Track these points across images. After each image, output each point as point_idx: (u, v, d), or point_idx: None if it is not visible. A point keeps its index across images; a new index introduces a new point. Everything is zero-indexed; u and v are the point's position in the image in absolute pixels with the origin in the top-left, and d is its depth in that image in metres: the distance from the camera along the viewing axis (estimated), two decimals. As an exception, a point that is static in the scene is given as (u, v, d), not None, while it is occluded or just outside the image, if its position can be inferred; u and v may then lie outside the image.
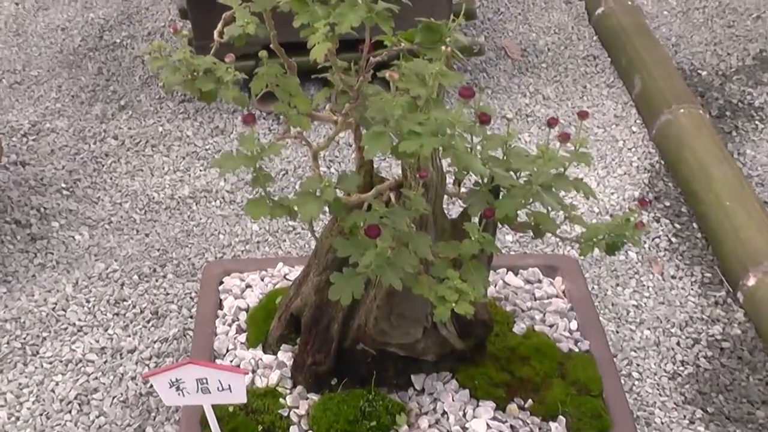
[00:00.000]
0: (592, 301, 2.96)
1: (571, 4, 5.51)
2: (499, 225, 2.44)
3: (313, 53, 2.00)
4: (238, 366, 2.71)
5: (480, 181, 2.39)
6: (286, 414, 2.57)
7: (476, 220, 2.39)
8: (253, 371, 2.69)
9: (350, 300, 2.18)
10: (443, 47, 2.05)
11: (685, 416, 3.14)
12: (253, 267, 3.05)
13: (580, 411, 2.58)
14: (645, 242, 3.83)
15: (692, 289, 3.64)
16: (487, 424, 2.54)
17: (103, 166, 4.22)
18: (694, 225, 3.92)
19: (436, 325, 2.59)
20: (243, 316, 2.87)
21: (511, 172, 2.44)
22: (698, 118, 4.25)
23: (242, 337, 2.81)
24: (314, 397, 2.62)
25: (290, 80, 2.31)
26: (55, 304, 3.49)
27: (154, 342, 3.33)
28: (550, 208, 2.49)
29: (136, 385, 3.19)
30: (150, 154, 4.30)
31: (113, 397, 3.16)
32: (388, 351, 2.60)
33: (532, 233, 2.50)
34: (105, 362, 3.27)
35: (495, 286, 2.98)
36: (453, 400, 2.61)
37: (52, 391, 3.17)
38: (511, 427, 2.56)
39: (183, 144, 4.35)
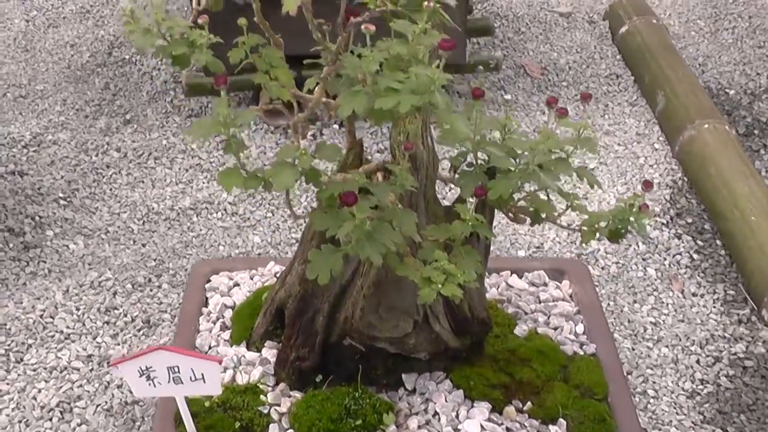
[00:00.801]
0: (601, 305, 2.77)
1: (594, 24, 5.36)
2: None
3: (287, 4, 1.86)
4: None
5: (473, 161, 2.23)
6: (266, 411, 2.40)
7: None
8: (235, 368, 2.52)
9: (328, 279, 2.00)
10: (425, 2, 1.90)
11: (703, 436, 2.94)
12: (242, 266, 2.89)
13: (582, 414, 2.39)
14: (665, 259, 3.63)
15: (714, 307, 3.44)
16: (482, 426, 2.35)
17: (103, 177, 4.09)
18: (718, 242, 3.72)
19: (429, 319, 2.41)
20: (229, 313, 2.70)
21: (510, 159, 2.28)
22: (723, 134, 4.07)
23: (226, 335, 2.64)
24: (297, 394, 2.45)
25: (272, 51, 2.16)
26: (43, 311, 3.34)
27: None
28: (549, 196, 2.33)
29: (122, 393, 3.03)
30: (152, 166, 4.17)
31: (97, 405, 2.99)
32: (377, 347, 2.42)
33: (530, 221, 2.34)
34: (91, 370, 3.11)
35: (497, 288, 2.80)
36: (446, 401, 2.43)
37: (34, 398, 3.02)
38: (507, 429, 2.36)
39: (187, 157, 4.22)
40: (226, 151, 2.02)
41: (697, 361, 3.21)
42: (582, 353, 2.59)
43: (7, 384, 3.07)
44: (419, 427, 2.37)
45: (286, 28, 2.19)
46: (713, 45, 5.14)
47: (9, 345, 3.21)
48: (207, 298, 2.78)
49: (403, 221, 2.05)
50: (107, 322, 3.31)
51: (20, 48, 5.14)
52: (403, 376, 2.49)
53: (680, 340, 3.28)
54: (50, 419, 2.95)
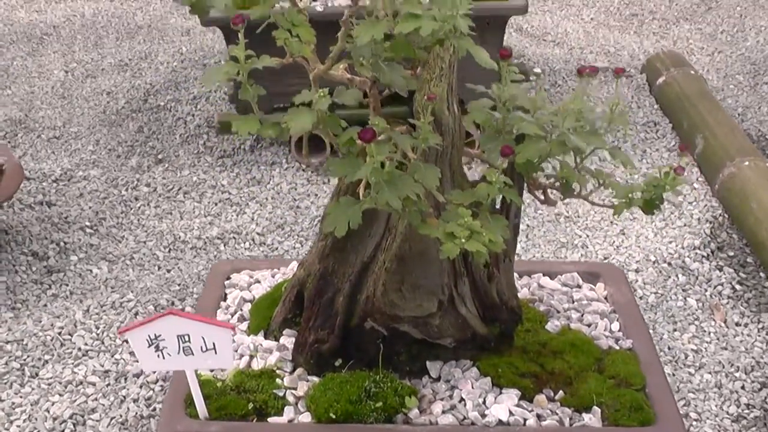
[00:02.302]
0: (638, 305, 2.64)
1: (631, 77, 5.29)
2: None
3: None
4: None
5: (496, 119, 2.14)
6: (281, 394, 2.27)
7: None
8: (251, 355, 2.40)
9: (345, 231, 1.91)
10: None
11: (750, 458, 2.77)
12: (264, 266, 2.79)
13: (618, 402, 2.24)
14: (706, 290, 3.49)
15: (759, 336, 3.28)
16: (510, 412, 2.21)
17: (131, 208, 4.04)
18: (761, 274, 3.58)
19: (454, 301, 2.30)
20: (247, 307, 2.60)
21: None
22: (764, 170, 3.96)
23: (243, 326, 2.54)
24: (315, 379, 2.32)
25: (294, 12, 2.11)
26: (62, 328, 3.25)
27: (163, 366, 3.05)
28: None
29: (138, 407, 2.91)
30: (182, 200, 4.11)
31: (111, 418, 2.88)
32: (400, 331, 2.31)
33: (559, 194, 2.24)
34: (108, 385, 3.00)
35: (528, 289, 2.68)
36: (472, 387, 2.29)
37: (47, 410, 2.91)
38: (538, 416, 2.22)
39: (217, 192, 4.16)
40: (241, 95, 1.94)
41: (742, 387, 3.05)
42: (618, 348, 2.45)
43: (20, 397, 2.97)
44: (443, 411, 2.23)
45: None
46: (753, 97, 5.06)
47: (25, 360, 3.12)
48: (226, 294, 2.68)
49: (425, 175, 1.96)
50: (127, 341, 3.20)
51: (57, 95, 5.15)
52: (428, 363, 2.36)
53: (723, 366, 3.13)
54: (62, 431, 2.83)
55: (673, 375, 3.07)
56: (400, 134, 1.96)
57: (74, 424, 2.86)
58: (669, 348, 3.20)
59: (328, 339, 2.31)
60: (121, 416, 2.87)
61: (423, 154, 2.05)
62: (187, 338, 2.08)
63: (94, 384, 3.00)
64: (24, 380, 3.04)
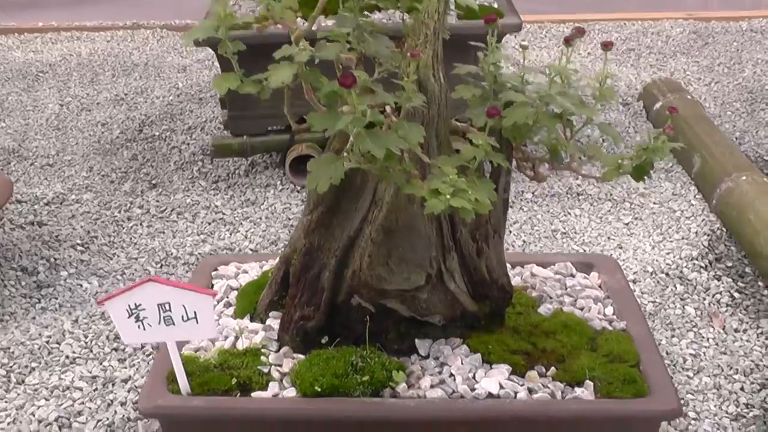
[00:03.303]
0: (633, 292, 2.58)
1: (628, 105, 5.29)
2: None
3: None
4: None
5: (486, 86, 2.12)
6: (266, 371, 2.22)
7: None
8: (236, 337, 2.35)
9: (327, 187, 1.87)
10: None
11: (750, 454, 2.70)
12: (253, 260, 2.75)
13: (611, 376, 2.19)
14: (704, 299, 3.44)
15: (758, 341, 3.22)
16: (501, 385, 2.15)
17: (123, 228, 4.00)
18: (759, 283, 3.53)
19: (443, 276, 2.25)
20: (234, 294, 2.55)
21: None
22: (762, 185, 3.92)
23: (229, 311, 2.49)
24: (301, 357, 2.27)
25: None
26: (50, 337, 3.20)
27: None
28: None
29: (125, 410, 2.85)
30: (174, 219, 4.08)
31: (98, 421, 2.81)
32: (388, 308, 2.26)
33: (547, 164, 2.21)
34: (95, 390, 2.94)
35: (521, 277, 2.63)
36: (462, 363, 2.24)
37: (32, 414, 2.85)
38: (529, 390, 2.16)
39: (210, 212, 4.13)
40: (220, 49, 1.92)
41: (741, 388, 2.98)
42: (611, 329, 2.40)
43: (5, 402, 2.90)
44: (432, 386, 2.18)
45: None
46: (750, 122, 5.04)
47: (11, 367, 3.06)
48: (213, 285, 2.63)
49: (410, 133, 1.93)
50: (115, 349, 3.15)
51: (51, 127, 5.15)
52: (417, 342, 2.31)
53: (722, 369, 3.06)
54: (47, 433, 2.77)
55: (672, 378, 3.00)
56: (381, 91, 1.93)
57: (59, 427, 2.79)
58: (667, 353, 3.13)
59: (314, 316, 2.26)
60: (108, 419, 2.81)
61: (407, 116, 2.02)
62: (167, 307, 2.03)
63: (81, 389, 2.95)
64: (9, 386, 2.98)
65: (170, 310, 2.04)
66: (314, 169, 1.89)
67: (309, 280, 2.26)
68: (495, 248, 2.30)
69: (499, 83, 2.20)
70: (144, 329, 2.06)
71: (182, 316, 2.04)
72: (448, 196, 1.88)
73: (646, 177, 2.18)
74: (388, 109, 2.08)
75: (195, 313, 2.03)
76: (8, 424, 2.81)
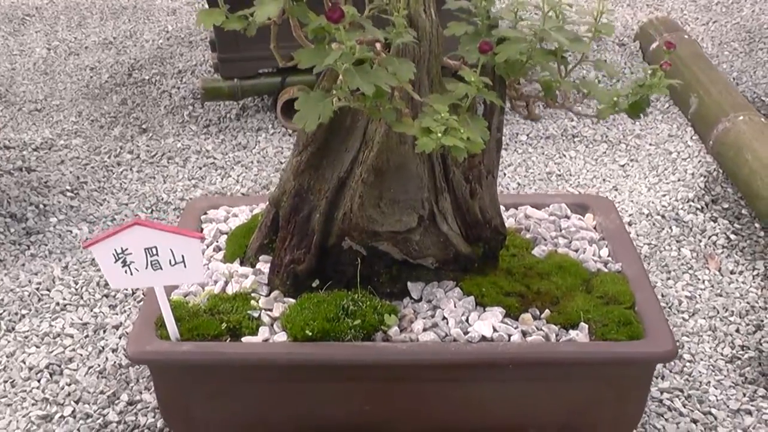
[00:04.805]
0: (628, 233, 2.55)
1: (624, 45, 5.22)
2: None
3: None
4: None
5: (479, 21, 2.07)
6: (256, 315, 2.18)
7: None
8: (226, 282, 2.31)
9: (315, 125, 1.82)
10: None
11: (744, 394, 2.69)
12: (243, 203, 2.70)
13: (606, 318, 2.15)
14: (701, 240, 3.41)
15: (754, 282, 3.19)
16: (494, 328, 2.12)
17: (113, 173, 3.95)
18: (756, 225, 3.49)
19: (436, 218, 2.21)
20: (224, 239, 2.51)
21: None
22: (759, 124, 3.87)
23: (219, 255, 2.45)
24: (292, 301, 2.23)
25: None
26: (40, 284, 3.17)
27: (143, 317, 2.96)
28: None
29: (117, 357, 2.83)
30: (165, 164, 4.03)
31: (89, 368, 2.80)
32: (379, 251, 2.22)
33: (541, 103, 2.16)
34: (86, 336, 2.92)
35: (515, 219, 2.59)
36: (455, 306, 2.20)
37: (23, 361, 2.82)
38: (523, 332, 2.13)
39: (201, 157, 4.08)
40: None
41: (737, 330, 2.97)
42: (606, 270, 2.36)
43: (-5, 350, 2.88)
44: (425, 329, 2.14)
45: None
46: (748, 62, 4.98)
47: (1, 314, 3.04)
48: (202, 229, 2.59)
49: (400, 69, 1.87)
50: (106, 296, 3.12)
51: (39, 71, 5.08)
52: (409, 284, 2.27)
53: (718, 312, 3.04)
54: (39, 380, 2.75)
55: (667, 320, 2.97)
56: (370, 26, 1.88)
57: (51, 374, 2.77)
58: (662, 296, 3.11)
59: (305, 259, 2.22)
60: (99, 365, 2.79)
61: (397, 53, 1.97)
62: (154, 251, 1.99)
63: (71, 336, 2.92)
64: (0, 334, 2.95)
65: (157, 255, 1.99)
66: (302, 107, 1.84)
67: (299, 223, 2.21)
68: (488, 189, 2.26)
69: (493, 18, 2.14)
70: (131, 274, 2.02)
71: (170, 261, 2.00)
72: (440, 135, 1.83)
73: (641, 114, 2.12)
74: (378, 45, 2.02)
75: (183, 257, 1.99)
76: (-2, 372, 2.79)
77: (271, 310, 2.20)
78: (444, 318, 2.17)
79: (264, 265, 2.33)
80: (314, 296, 2.19)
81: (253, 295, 2.24)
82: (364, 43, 1.82)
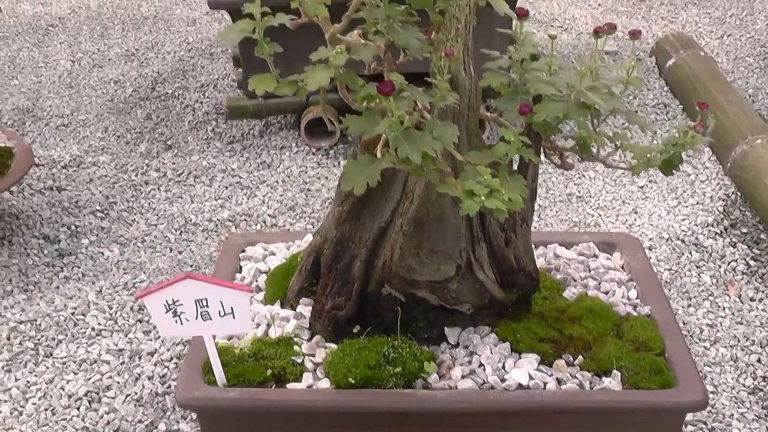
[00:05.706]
0: (655, 274, 2.62)
1: (640, 60, 5.27)
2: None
3: None
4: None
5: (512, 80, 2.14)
6: (300, 361, 2.26)
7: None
8: (268, 324, 2.39)
9: (364, 188, 1.89)
10: None
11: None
12: (279, 239, 2.78)
13: (638, 365, 2.23)
14: (720, 266, 3.47)
15: (775, 310, 3.26)
16: (530, 376, 2.19)
17: (141, 192, 4.02)
18: (775, 251, 3.56)
19: (472, 266, 2.29)
20: (263, 278, 2.58)
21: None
22: (778, 148, 3.94)
23: (259, 296, 2.52)
24: (333, 346, 2.31)
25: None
26: (75, 309, 3.24)
27: (177, 344, 3.03)
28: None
29: (153, 384, 2.90)
30: (192, 183, 4.10)
31: (126, 395, 2.87)
32: (417, 297, 2.29)
33: (577, 157, 2.22)
34: (122, 363, 2.99)
35: (545, 258, 2.67)
36: (491, 353, 2.27)
37: (62, 388, 2.90)
38: (558, 380, 2.20)
39: (227, 176, 4.15)
40: (257, 52, 1.93)
41: (758, 360, 3.03)
42: (636, 314, 2.43)
43: (35, 376, 2.96)
44: (463, 376, 2.22)
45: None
46: (763, 78, 5.04)
47: (39, 339, 3.11)
48: (241, 267, 2.66)
49: (444, 132, 1.95)
50: (140, 320, 3.20)
51: (64, 85, 5.15)
52: (446, 330, 2.35)
53: (739, 341, 3.11)
54: (78, 408, 2.83)
55: (697, 369, 3.04)
56: (417, 91, 1.94)
57: (89, 402, 2.85)
58: (684, 323, 3.18)
59: (345, 305, 2.29)
60: (136, 393, 2.86)
61: (440, 114, 2.04)
62: (204, 303, 2.07)
63: (108, 362, 3.00)
64: (38, 359, 3.03)
65: (207, 306, 2.07)
66: (350, 171, 1.91)
67: (340, 270, 2.29)
68: (523, 237, 2.33)
69: (529, 75, 2.21)
70: (181, 324, 2.10)
71: (219, 312, 2.08)
72: (483, 198, 1.90)
73: (674, 171, 2.19)
74: (419, 104, 2.09)
75: (232, 308, 2.07)
76: (39, 398, 2.86)
77: (313, 355, 2.27)
78: (481, 365, 2.24)
79: (305, 308, 2.41)
80: (355, 342, 2.26)
81: (295, 339, 2.32)
82: (411, 112, 1.88)
